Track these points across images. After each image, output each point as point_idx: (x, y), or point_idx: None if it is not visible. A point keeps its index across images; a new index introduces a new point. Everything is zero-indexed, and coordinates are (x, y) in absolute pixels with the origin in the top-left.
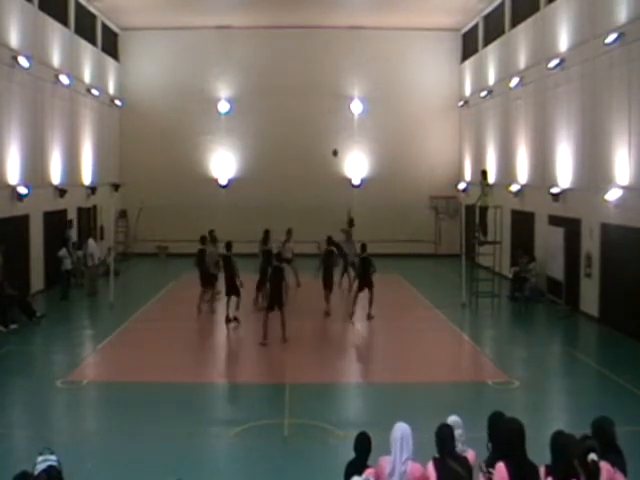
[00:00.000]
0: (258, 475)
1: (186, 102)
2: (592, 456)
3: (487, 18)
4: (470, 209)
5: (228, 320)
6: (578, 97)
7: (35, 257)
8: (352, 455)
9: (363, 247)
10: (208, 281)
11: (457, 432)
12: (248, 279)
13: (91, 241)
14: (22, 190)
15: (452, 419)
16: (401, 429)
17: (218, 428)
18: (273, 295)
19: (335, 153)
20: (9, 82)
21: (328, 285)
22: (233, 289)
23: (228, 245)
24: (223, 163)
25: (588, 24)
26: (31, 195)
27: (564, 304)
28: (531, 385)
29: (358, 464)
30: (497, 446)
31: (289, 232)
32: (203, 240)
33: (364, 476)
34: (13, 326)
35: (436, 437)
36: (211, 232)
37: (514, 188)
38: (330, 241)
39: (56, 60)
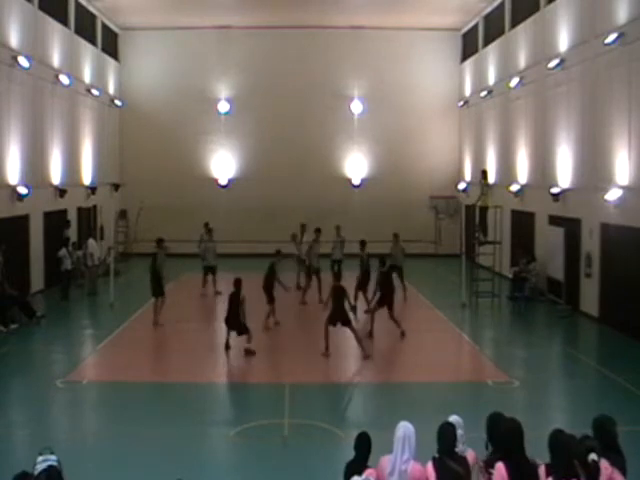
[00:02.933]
0: (258, 475)
1: (186, 102)
2: (592, 456)
3: (487, 18)
4: (470, 209)
5: (227, 347)
6: (578, 97)
7: (35, 257)
8: (352, 455)
9: (382, 261)
10: (159, 290)
11: (458, 432)
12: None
13: (91, 241)
14: (22, 190)
15: (452, 419)
16: (404, 428)
17: (218, 428)
18: (336, 311)
19: None
20: (9, 82)
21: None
22: (234, 324)
23: (237, 282)
24: (223, 163)
25: (588, 24)
26: (31, 195)
27: (564, 304)
28: (531, 385)
29: (358, 464)
30: (496, 446)
31: (303, 227)
32: (159, 243)
33: (364, 476)
34: (13, 326)
35: (438, 435)
36: (206, 225)
37: (514, 188)
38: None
39: (56, 60)
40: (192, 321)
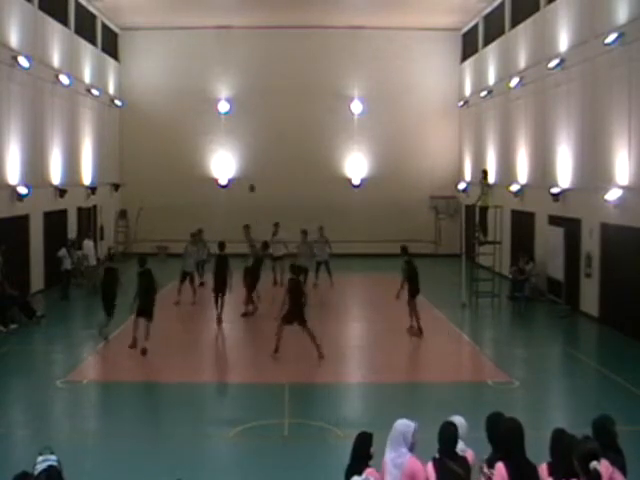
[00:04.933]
0: (258, 475)
1: (186, 102)
2: (594, 464)
3: (487, 18)
4: (470, 209)
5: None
6: (578, 97)
7: (35, 257)
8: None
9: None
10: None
11: (459, 432)
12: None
13: (87, 242)
14: (22, 190)
15: (455, 419)
16: (399, 424)
17: (218, 428)
18: (293, 308)
19: (252, 188)
20: (9, 82)
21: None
22: (147, 310)
23: (142, 260)
24: (223, 163)
25: (588, 24)
26: (31, 195)
27: (564, 304)
28: (531, 385)
29: (358, 464)
30: (496, 446)
31: (276, 226)
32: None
33: (364, 476)
34: (13, 326)
35: (439, 435)
36: (199, 231)
37: (514, 188)
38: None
39: (56, 60)
40: (191, 320)
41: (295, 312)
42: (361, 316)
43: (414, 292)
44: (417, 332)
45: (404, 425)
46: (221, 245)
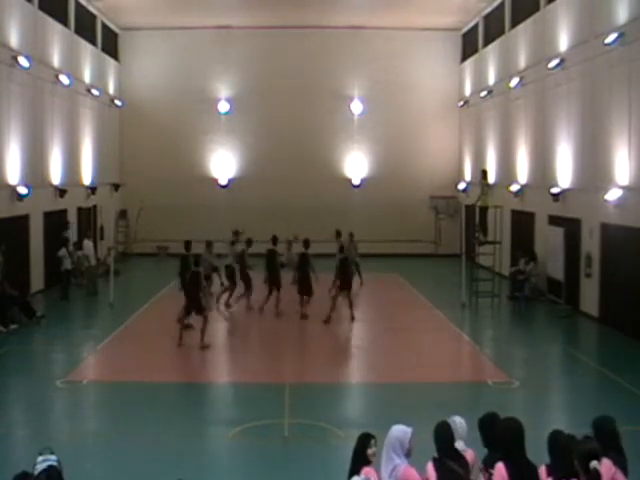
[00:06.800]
0: (258, 475)
1: (186, 102)
2: (594, 464)
3: (487, 18)
4: (470, 209)
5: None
6: (578, 97)
7: (35, 257)
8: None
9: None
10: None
11: (459, 431)
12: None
13: (86, 242)
14: (22, 190)
15: (453, 420)
16: (392, 432)
17: (218, 428)
18: (191, 301)
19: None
20: (9, 82)
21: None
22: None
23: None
24: (223, 163)
25: (588, 24)
26: (31, 195)
27: (564, 304)
28: (531, 385)
29: (357, 464)
30: (495, 446)
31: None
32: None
33: (363, 476)
34: (13, 326)
35: (435, 435)
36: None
37: (514, 188)
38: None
39: (56, 60)
40: (191, 320)
41: (193, 303)
42: (361, 316)
43: (344, 286)
44: (327, 318)
45: (401, 431)
46: (305, 243)
